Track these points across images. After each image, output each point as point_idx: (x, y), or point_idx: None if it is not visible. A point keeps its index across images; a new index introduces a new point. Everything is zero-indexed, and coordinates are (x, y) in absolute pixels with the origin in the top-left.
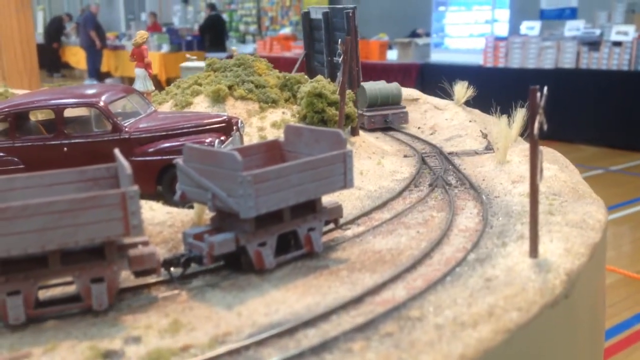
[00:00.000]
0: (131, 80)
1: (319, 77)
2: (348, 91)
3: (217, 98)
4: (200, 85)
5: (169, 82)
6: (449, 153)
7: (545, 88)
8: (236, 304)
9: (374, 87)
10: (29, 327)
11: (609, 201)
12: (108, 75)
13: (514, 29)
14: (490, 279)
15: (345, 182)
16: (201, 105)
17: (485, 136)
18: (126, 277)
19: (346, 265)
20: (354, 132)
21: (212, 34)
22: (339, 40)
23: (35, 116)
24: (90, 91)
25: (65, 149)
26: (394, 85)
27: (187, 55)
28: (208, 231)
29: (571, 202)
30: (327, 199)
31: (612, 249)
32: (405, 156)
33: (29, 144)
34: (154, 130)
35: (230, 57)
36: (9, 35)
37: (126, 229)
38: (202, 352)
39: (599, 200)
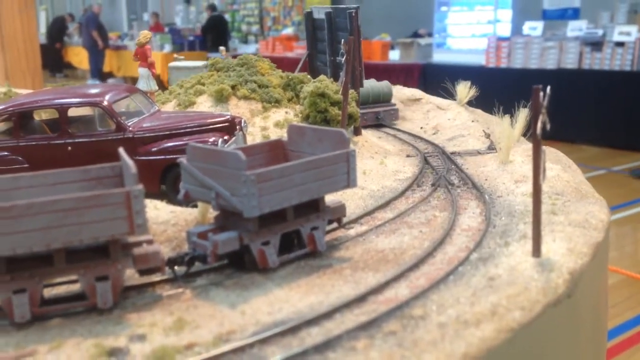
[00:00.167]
0: (133, 80)
1: (322, 76)
2: (351, 91)
3: (221, 98)
4: (203, 85)
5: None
6: (452, 153)
7: (548, 88)
8: (240, 303)
9: (366, 85)
10: (35, 325)
11: (611, 202)
12: (110, 75)
13: (517, 29)
14: (493, 278)
15: (349, 181)
16: (204, 104)
17: (487, 136)
18: (131, 276)
19: (349, 264)
20: (356, 132)
21: (214, 35)
22: (342, 40)
23: (39, 115)
24: (94, 91)
25: (69, 148)
26: (385, 83)
27: (175, 55)
28: (212, 230)
29: (574, 201)
30: (330, 198)
31: (614, 249)
32: (408, 156)
33: (33, 143)
34: (158, 129)
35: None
36: (12, 35)
37: (131, 228)
38: (207, 350)
39: (601, 200)
